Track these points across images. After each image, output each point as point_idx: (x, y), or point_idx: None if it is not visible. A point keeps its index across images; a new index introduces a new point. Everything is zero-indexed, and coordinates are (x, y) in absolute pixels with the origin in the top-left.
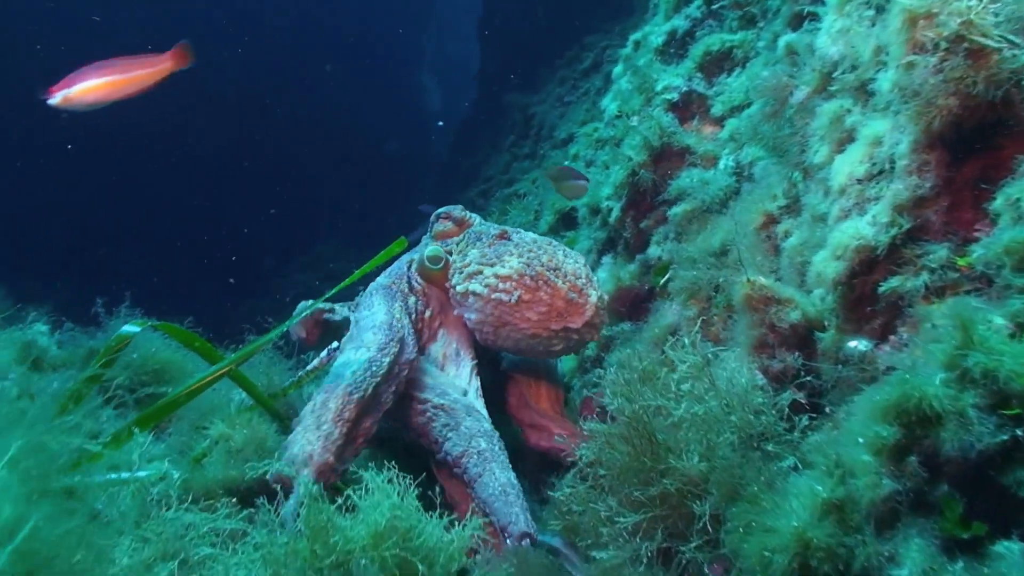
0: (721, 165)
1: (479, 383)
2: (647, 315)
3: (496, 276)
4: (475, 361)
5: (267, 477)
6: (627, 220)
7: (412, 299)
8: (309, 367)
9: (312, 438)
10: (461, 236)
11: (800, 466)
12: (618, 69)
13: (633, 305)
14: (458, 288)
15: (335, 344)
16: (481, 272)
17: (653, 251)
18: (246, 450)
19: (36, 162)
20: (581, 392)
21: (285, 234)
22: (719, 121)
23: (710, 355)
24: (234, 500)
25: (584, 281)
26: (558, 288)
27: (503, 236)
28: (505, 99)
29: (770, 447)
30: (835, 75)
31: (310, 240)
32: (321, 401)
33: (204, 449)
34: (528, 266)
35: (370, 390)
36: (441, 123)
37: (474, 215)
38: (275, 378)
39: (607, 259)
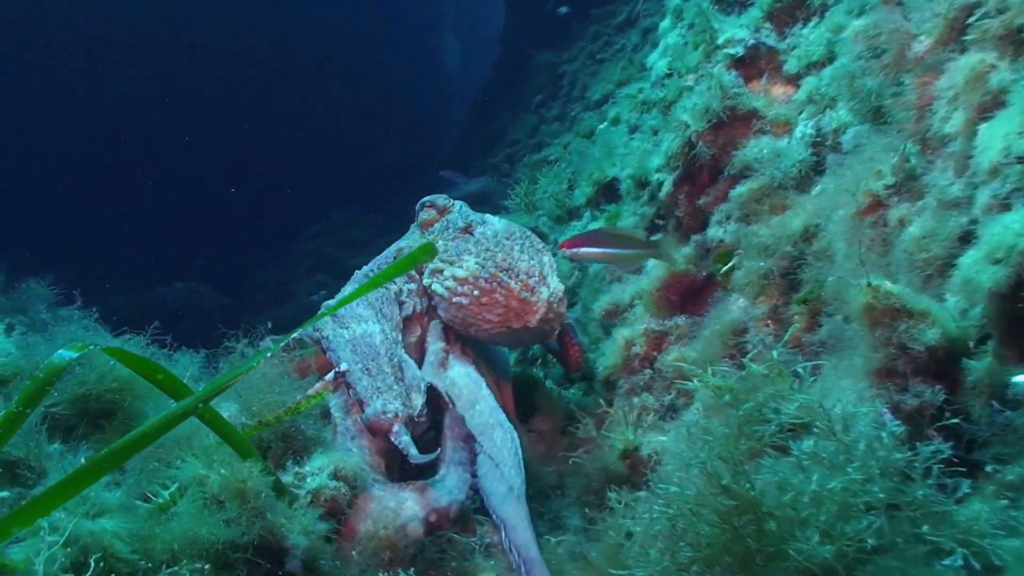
0: (797, 133)
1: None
2: (705, 307)
3: (454, 279)
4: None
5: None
6: (680, 196)
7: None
8: (310, 391)
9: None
10: (438, 225)
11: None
12: (665, 23)
13: (688, 294)
14: (424, 282)
15: (344, 366)
16: (441, 271)
17: (713, 232)
18: (225, 497)
19: (53, 131)
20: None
21: (301, 200)
22: (793, 80)
23: (800, 371)
24: (206, 567)
25: (536, 279)
26: (511, 288)
27: (467, 230)
28: (532, 57)
29: (925, 529)
30: (971, 21)
31: (326, 206)
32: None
33: (171, 496)
34: (483, 268)
35: None
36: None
37: (456, 203)
38: (275, 397)
39: (657, 239)
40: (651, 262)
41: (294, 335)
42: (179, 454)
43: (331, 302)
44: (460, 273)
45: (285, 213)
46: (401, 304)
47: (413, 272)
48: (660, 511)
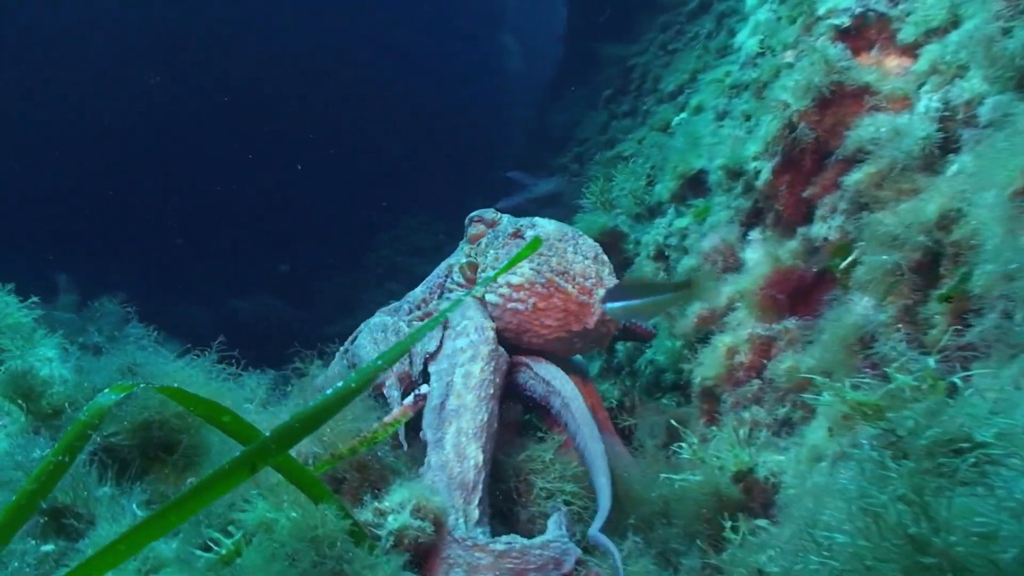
0: (920, 107)
1: None
2: (818, 308)
3: (508, 285)
4: None
5: None
6: (781, 185)
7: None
8: (388, 417)
9: None
10: (487, 237)
11: None
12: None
13: (797, 293)
14: (476, 293)
15: (423, 388)
16: (495, 280)
17: (818, 228)
18: (296, 546)
19: (123, 140)
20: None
21: (370, 208)
22: (910, 50)
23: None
24: None
25: (593, 280)
26: (569, 292)
27: (517, 235)
28: (598, 53)
29: None
30: None
31: (395, 214)
32: None
33: (235, 545)
34: (538, 273)
35: None
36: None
37: (504, 216)
38: (348, 425)
39: (755, 234)
40: (754, 258)
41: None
42: (243, 492)
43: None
44: (515, 280)
45: (354, 222)
46: None
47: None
48: (820, 563)
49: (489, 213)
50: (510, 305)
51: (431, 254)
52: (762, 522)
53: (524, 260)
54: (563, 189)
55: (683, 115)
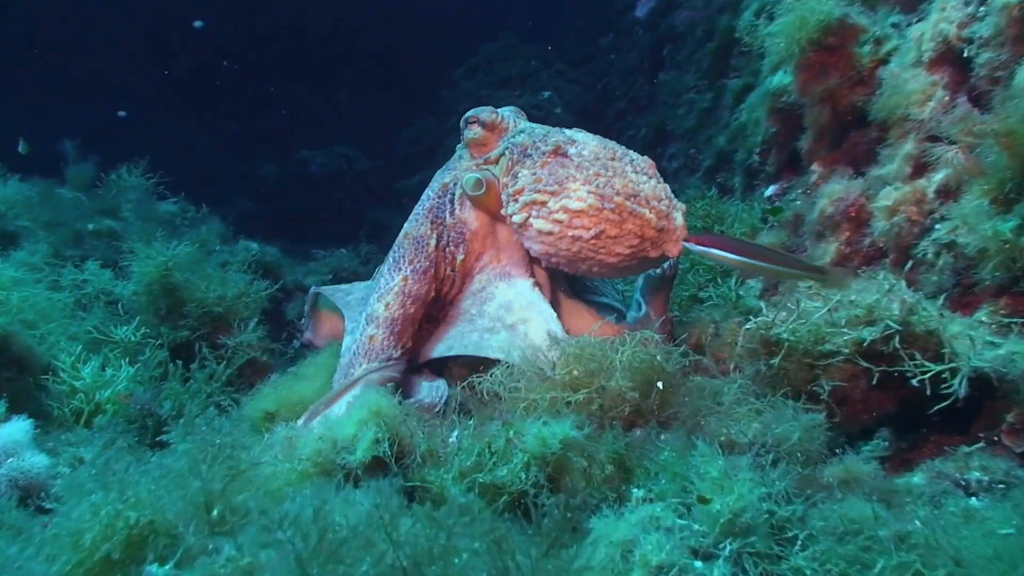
0: None
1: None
2: None
3: (567, 211)
4: (532, 279)
5: None
6: None
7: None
8: None
9: None
10: (501, 148)
11: None
12: None
13: None
14: (515, 219)
15: None
16: (545, 204)
17: None
18: None
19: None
20: None
21: (444, 36)
22: None
23: None
24: None
25: (667, 203)
26: (646, 218)
27: (558, 152)
28: None
29: None
30: None
31: (473, 41)
32: None
33: None
34: (603, 199)
35: None
36: None
37: (507, 113)
38: None
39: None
40: None
41: None
42: None
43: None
44: (574, 205)
45: (428, 55)
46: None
47: (448, 218)
48: None
49: (485, 113)
50: (571, 232)
51: (521, 84)
52: None
53: (579, 182)
54: None
55: None
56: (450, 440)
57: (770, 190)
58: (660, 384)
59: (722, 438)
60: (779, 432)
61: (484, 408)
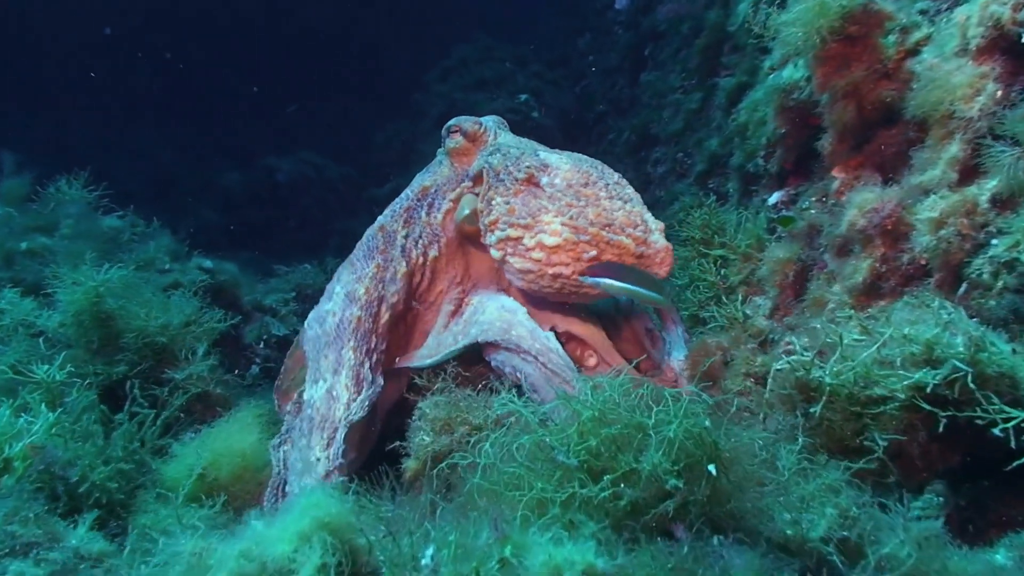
0: None
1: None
2: None
3: (543, 248)
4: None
5: None
6: None
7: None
8: None
9: None
10: (478, 164)
11: None
12: None
13: None
14: (495, 255)
15: None
16: (520, 240)
17: None
18: None
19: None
20: None
21: (415, 38)
22: None
23: None
24: None
25: (643, 228)
26: (624, 245)
27: (530, 181)
28: None
29: None
30: None
31: (444, 42)
32: None
33: None
34: (577, 231)
35: None
36: None
37: (490, 124)
38: None
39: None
40: None
41: None
42: None
43: None
44: (550, 241)
45: (400, 56)
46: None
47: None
48: None
49: (468, 122)
50: (551, 271)
51: (497, 88)
52: None
53: (551, 213)
54: None
55: None
56: (422, 561)
57: (774, 197)
58: (712, 468)
59: (789, 531)
60: (871, 533)
61: (469, 499)
